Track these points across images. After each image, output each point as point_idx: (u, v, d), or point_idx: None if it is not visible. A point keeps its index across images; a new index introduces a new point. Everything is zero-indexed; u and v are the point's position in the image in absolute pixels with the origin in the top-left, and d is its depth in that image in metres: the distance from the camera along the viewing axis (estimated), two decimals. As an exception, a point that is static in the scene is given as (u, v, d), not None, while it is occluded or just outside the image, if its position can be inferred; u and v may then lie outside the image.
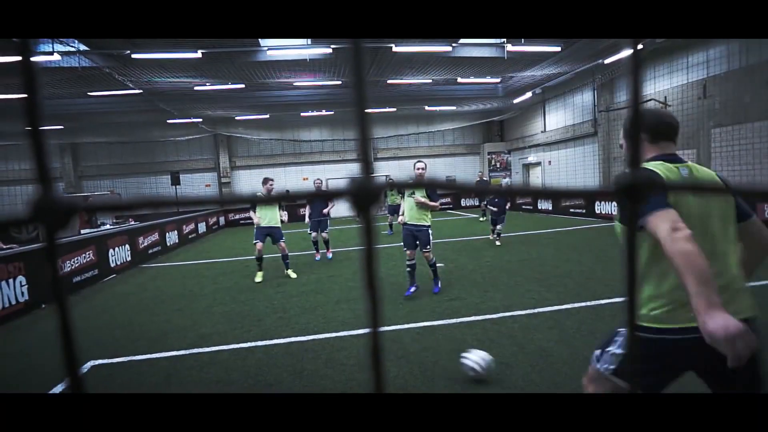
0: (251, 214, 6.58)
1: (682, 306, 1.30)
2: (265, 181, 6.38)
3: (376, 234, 0.25)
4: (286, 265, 6.56)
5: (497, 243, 8.51)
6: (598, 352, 1.57)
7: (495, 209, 8.52)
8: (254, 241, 6.34)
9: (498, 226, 8.60)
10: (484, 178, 17.48)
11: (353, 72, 0.26)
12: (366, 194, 0.24)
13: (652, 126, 1.51)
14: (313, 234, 7.89)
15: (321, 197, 0.27)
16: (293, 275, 6.47)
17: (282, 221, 6.59)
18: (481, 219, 13.61)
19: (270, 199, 0.30)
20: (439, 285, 5.21)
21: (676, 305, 1.34)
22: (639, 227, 1.27)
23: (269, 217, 6.35)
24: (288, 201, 0.28)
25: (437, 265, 5.17)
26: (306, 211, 8.02)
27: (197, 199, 0.28)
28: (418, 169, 4.95)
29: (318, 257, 7.92)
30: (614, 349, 1.50)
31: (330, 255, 7.88)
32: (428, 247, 5.01)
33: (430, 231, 4.99)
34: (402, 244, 5.17)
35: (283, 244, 6.46)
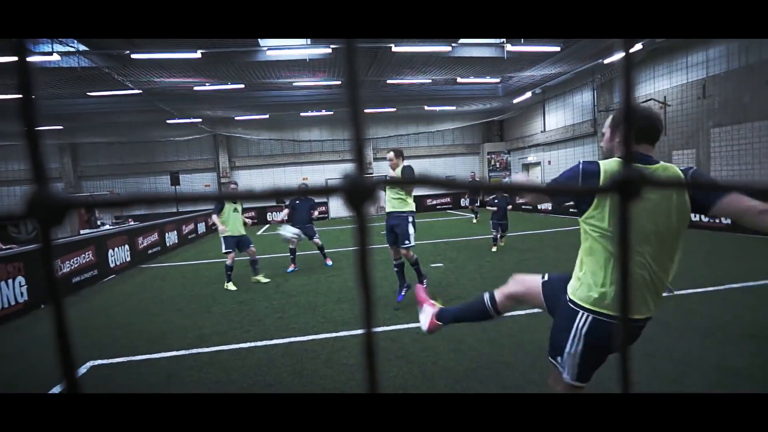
0: (215, 218, 6.26)
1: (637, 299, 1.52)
2: (227, 186, 6.33)
3: (369, 232, 0.25)
4: (254, 270, 6.29)
5: (500, 244, 8.16)
6: (559, 358, 1.65)
7: (495, 209, 8.27)
8: (226, 251, 6.03)
9: (500, 233, 8.03)
10: (477, 179, 17.41)
11: (347, 70, 0.26)
12: (360, 191, 0.24)
13: (642, 126, 1.55)
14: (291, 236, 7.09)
15: (312, 194, 0.27)
16: (264, 280, 6.24)
17: (250, 222, 6.51)
18: (474, 221, 13.50)
19: (267, 195, 0.30)
20: (425, 284, 4.47)
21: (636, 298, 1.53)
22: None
23: (237, 226, 6.14)
24: (278, 197, 0.28)
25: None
26: (282, 215, 7.21)
27: (192, 195, 0.28)
28: (390, 159, 4.47)
29: (292, 269, 7.01)
30: (569, 349, 1.60)
31: (330, 262, 7.30)
32: (407, 242, 4.25)
33: (410, 220, 4.35)
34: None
35: (253, 248, 6.26)
